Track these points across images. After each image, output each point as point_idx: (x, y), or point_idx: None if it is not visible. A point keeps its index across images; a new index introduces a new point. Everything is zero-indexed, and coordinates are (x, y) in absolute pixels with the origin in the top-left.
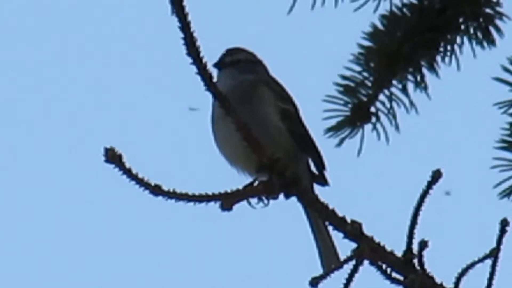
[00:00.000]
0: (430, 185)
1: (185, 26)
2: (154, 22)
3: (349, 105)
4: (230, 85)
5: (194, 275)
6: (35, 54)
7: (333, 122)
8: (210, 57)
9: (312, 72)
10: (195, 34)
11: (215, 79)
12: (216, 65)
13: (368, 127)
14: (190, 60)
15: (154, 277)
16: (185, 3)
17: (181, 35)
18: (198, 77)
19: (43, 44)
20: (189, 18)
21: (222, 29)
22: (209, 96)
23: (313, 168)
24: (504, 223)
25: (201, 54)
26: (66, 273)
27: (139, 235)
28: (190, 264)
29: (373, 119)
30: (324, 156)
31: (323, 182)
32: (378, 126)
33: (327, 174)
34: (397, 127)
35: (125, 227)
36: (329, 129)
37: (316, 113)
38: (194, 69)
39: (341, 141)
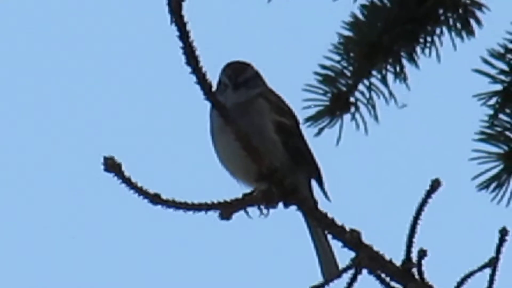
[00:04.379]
0: (429, 194)
1: (184, 35)
2: (153, 32)
3: (329, 95)
4: (240, 102)
5: (193, 285)
6: (34, 60)
7: (312, 111)
8: (209, 66)
9: (291, 61)
10: (194, 44)
11: (214, 88)
12: (234, 87)
13: (347, 117)
14: (189, 69)
15: (153, 286)
16: (184, 12)
17: (180, 44)
18: (197, 87)
19: (44, 53)
20: (188, 27)
21: (218, 34)
22: (207, 106)
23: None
24: (503, 232)
25: (200, 64)
26: (64, 282)
27: (138, 244)
28: (189, 273)
29: (352, 109)
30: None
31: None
32: (357, 116)
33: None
34: (376, 118)
35: (125, 236)
36: (308, 119)
37: (295, 103)
38: (193, 78)
39: (320, 130)
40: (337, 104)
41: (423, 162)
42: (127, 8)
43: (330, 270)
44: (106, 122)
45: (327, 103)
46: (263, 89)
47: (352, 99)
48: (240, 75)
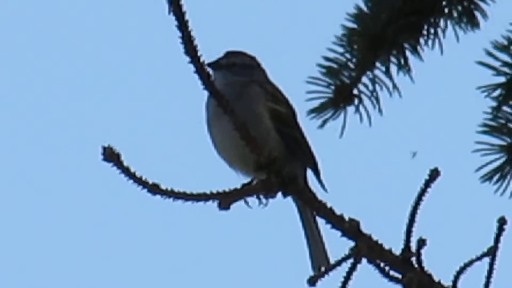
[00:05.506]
0: (427, 183)
1: (182, 25)
2: (152, 21)
3: (332, 87)
4: (221, 86)
5: (191, 274)
6: (30, 52)
7: (316, 103)
8: (208, 56)
9: (295, 53)
10: (192, 33)
11: (212, 78)
12: (210, 65)
13: (351, 109)
14: (187, 59)
15: (152, 276)
16: (182, 2)
17: (179, 34)
18: (196, 76)
19: (36, 40)
20: (187, 17)
21: (219, 26)
22: (204, 96)
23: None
24: (502, 222)
25: (199, 53)
26: (63, 271)
27: (137, 234)
28: (187, 263)
29: (356, 101)
30: (320, 164)
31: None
32: (361, 108)
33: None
34: (380, 110)
35: (123, 225)
36: (312, 111)
37: (299, 95)
38: (192, 68)
39: (324, 122)
40: (341, 96)
41: (425, 153)
42: None
43: (320, 262)
44: (105, 113)
45: (331, 95)
46: (259, 78)
47: (355, 91)
48: (226, 58)
